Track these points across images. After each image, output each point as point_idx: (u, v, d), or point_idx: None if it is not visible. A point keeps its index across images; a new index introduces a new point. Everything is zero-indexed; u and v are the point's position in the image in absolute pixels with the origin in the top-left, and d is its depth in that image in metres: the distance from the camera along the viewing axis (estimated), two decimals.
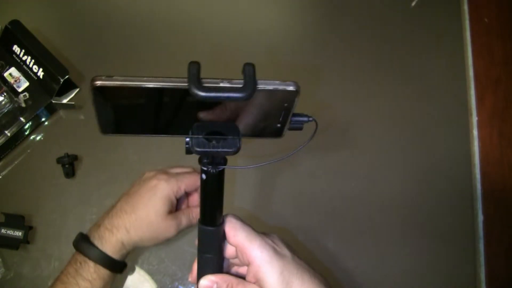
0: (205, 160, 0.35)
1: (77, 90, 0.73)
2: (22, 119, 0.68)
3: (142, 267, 0.62)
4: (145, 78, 0.28)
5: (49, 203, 0.66)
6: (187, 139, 0.33)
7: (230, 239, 0.40)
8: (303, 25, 0.86)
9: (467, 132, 0.76)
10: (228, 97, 0.27)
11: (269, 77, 0.30)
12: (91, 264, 0.47)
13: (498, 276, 0.67)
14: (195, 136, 0.33)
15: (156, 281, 0.62)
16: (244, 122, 0.34)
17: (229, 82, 0.28)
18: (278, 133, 0.35)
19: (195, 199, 0.56)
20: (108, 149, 0.70)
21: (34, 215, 0.65)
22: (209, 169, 0.35)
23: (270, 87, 0.29)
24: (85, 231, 0.51)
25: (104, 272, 0.48)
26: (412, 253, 0.68)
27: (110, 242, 0.48)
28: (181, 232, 0.52)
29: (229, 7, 0.84)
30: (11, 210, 0.64)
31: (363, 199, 0.70)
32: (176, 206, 0.52)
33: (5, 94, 0.69)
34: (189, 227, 0.52)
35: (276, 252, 0.38)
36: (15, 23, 0.69)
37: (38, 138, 0.71)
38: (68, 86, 0.71)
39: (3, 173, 0.68)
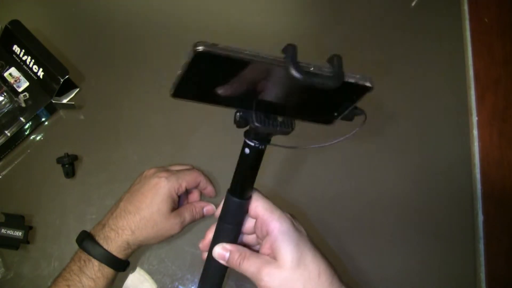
0: (252, 136, 0.36)
1: (77, 90, 0.73)
2: (22, 119, 0.68)
3: (142, 267, 0.62)
4: (247, 52, 0.29)
5: (49, 203, 0.66)
6: (237, 114, 0.35)
7: (252, 211, 0.41)
8: (302, 24, 0.86)
9: (467, 132, 0.76)
10: (319, 83, 0.29)
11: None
12: (95, 263, 0.47)
13: (498, 276, 0.67)
14: (258, 111, 0.34)
15: (156, 281, 0.62)
16: (305, 106, 0.35)
17: (319, 70, 0.30)
18: (330, 121, 0.37)
19: (196, 195, 0.56)
20: (108, 149, 0.70)
21: (34, 215, 0.65)
22: (256, 144, 0.36)
23: (352, 80, 0.31)
24: (86, 230, 0.51)
25: (108, 271, 0.48)
26: (412, 253, 0.68)
27: (116, 242, 0.48)
28: (185, 228, 0.52)
29: (229, 7, 0.84)
30: (11, 210, 0.64)
31: (363, 199, 0.70)
32: (177, 203, 0.53)
33: (5, 94, 0.69)
34: (192, 222, 0.53)
35: (293, 225, 0.40)
36: (15, 23, 0.69)
37: (38, 138, 0.71)
38: (68, 86, 0.71)
39: (3, 173, 0.68)
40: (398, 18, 0.86)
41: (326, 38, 0.83)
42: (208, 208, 0.55)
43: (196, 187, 0.55)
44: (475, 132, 0.76)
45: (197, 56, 0.29)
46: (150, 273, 0.62)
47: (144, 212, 0.49)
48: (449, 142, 0.76)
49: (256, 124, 0.33)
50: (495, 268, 0.67)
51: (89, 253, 0.48)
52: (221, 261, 0.41)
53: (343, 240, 0.68)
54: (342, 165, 0.73)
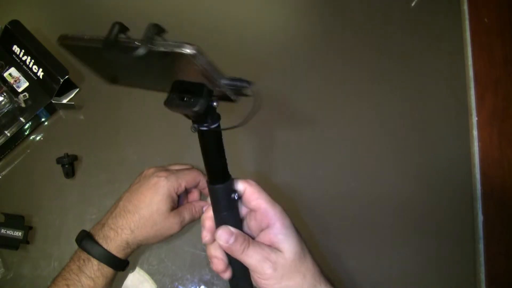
0: (192, 119, 0.36)
1: (77, 90, 0.73)
2: (22, 119, 0.68)
3: (142, 267, 0.62)
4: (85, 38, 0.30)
5: (49, 203, 0.66)
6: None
7: (252, 202, 0.41)
8: (302, 25, 0.86)
9: (467, 132, 0.76)
10: (125, 57, 0.28)
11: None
12: (95, 262, 0.47)
13: (498, 276, 0.67)
14: (170, 93, 0.34)
15: (156, 281, 0.62)
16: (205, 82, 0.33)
17: (131, 41, 0.29)
18: (228, 98, 0.34)
19: (195, 195, 0.56)
20: (108, 149, 0.70)
21: (34, 215, 0.65)
22: (192, 127, 0.36)
23: (161, 49, 0.27)
24: (86, 229, 0.51)
25: (107, 270, 0.48)
26: (412, 253, 0.68)
27: (115, 242, 0.48)
28: (184, 227, 0.52)
29: (229, 7, 0.84)
30: (11, 210, 0.64)
31: (363, 199, 0.70)
32: (177, 202, 0.53)
33: (5, 94, 0.69)
34: (192, 222, 0.53)
35: (292, 221, 0.41)
36: (15, 23, 0.69)
37: (38, 138, 0.71)
38: (68, 86, 0.71)
39: (3, 173, 0.68)
40: (398, 18, 0.86)
41: (325, 38, 0.83)
42: (208, 207, 0.55)
43: (196, 186, 0.55)
44: (475, 132, 0.76)
45: (64, 47, 0.32)
46: (150, 273, 0.62)
47: (144, 211, 0.49)
48: (449, 142, 0.76)
49: (166, 105, 0.34)
50: (495, 268, 0.67)
51: (89, 253, 0.48)
52: (224, 245, 0.39)
53: (343, 240, 0.68)
54: (341, 165, 0.73)
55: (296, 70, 0.80)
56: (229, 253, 0.40)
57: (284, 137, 0.74)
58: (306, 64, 0.81)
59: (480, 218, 0.70)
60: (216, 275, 0.62)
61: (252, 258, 0.39)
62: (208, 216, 0.43)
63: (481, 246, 0.68)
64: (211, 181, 0.40)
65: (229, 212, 0.41)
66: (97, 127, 0.72)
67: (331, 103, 0.78)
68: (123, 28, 0.30)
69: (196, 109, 0.32)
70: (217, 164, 0.39)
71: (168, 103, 0.34)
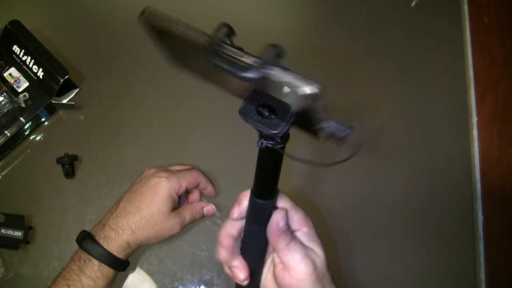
0: (258, 133, 0.32)
1: (77, 90, 0.73)
2: (22, 119, 0.68)
3: (142, 267, 0.62)
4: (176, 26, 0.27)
5: (49, 203, 0.66)
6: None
7: (279, 206, 0.39)
8: (302, 24, 0.86)
9: (467, 132, 0.76)
10: (231, 73, 0.24)
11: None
12: (95, 262, 0.47)
13: (498, 276, 0.67)
14: (247, 102, 0.30)
15: (156, 281, 0.62)
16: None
17: (248, 57, 0.24)
18: (315, 135, 0.31)
19: (196, 195, 0.56)
20: (108, 149, 0.70)
21: (34, 215, 0.65)
22: (258, 142, 0.32)
23: (281, 80, 0.24)
24: (86, 230, 0.51)
25: (108, 271, 0.48)
26: (412, 253, 0.68)
27: (116, 242, 0.48)
28: (185, 228, 0.52)
29: (228, 8, 0.84)
30: (11, 210, 0.64)
31: (363, 199, 0.70)
32: (178, 203, 0.52)
33: (5, 94, 0.69)
34: (192, 222, 0.53)
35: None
36: (15, 23, 0.69)
37: (38, 138, 0.71)
38: (68, 86, 0.71)
39: (3, 173, 0.68)
40: (398, 18, 0.86)
41: (325, 38, 0.83)
42: (208, 208, 0.55)
43: (196, 187, 0.55)
44: (475, 132, 0.76)
45: (147, 25, 0.29)
46: (150, 273, 0.62)
47: (144, 212, 0.49)
48: (449, 142, 0.76)
49: (240, 114, 0.30)
50: (495, 268, 0.67)
51: (89, 253, 0.48)
52: (280, 227, 0.37)
53: (342, 239, 0.68)
54: (341, 166, 0.73)
55: (296, 70, 0.79)
56: (274, 241, 0.37)
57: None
58: (306, 64, 0.80)
59: (480, 218, 0.70)
60: (217, 275, 0.62)
61: (296, 252, 0.37)
62: (226, 234, 0.40)
63: (481, 246, 0.68)
64: (256, 195, 0.37)
65: (262, 228, 0.38)
66: (97, 127, 0.72)
67: (331, 103, 0.77)
68: (231, 32, 0.26)
69: (275, 131, 0.29)
70: (269, 182, 0.37)
71: (243, 113, 0.30)
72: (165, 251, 0.64)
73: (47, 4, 0.84)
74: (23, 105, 0.69)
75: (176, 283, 0.62)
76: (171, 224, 0.50)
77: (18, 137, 0.69)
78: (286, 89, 0.24)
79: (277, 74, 0.24)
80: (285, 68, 0.24)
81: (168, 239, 0.52)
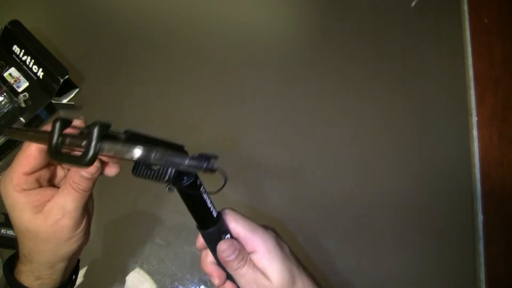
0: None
1: (77, 90, 0.73)
2: (22, 119, 0.68)
3: (142, 267, 0.62)
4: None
5: None
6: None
7: (232, 231, 0.40)
8: (302, 25, 0.86)
9: (467, 132, 0.76)
10: (74, 165, 0.28)
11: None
12: None
13: (498, 276, 0.67)
14: (138, 164, 0.33)
15: (156, 281, 0.62)
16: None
17: (80, 141, 0.29)
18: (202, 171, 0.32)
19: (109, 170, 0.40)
20: None
21: None
22: (167, 188, 0.34)
23: (111, 153, 0.27)
24: None
25: None
26: (412, 253, 0.68)
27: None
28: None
29: (228, 8, 0.84)
30: None
31: (363, 199, 0.70)
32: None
33: (5, 94, 0.69)
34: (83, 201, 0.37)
35: (277, 241, 0.39)
36: (15, 23, 0.69)
37: None
38: (68, 86, 0.71)
39: (3, 173, 0.68)
40: (398, 18, 0.86)
41: (325, 39, 0.83)
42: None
43: (48, 164, 0.38)
44: (475, 132, 0.76)
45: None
46: (150, 273, 0.62)
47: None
48: (449, 142, 0.76)
49: (135, 171, 0.33)
50: (495, 268, 0.67)
51: None
52: (225, 259, 0.38)
53: (342, 240, 0.68)
54: (341, 166, 0.73)
55: (296, 70, 0.80)
56: (225, 266, 0.39)
57: (284, 134, 0.74)
58: (306, 64, 0.81)
59: (480, 218, 0.70)
60: None
61: (243, 278, 0.38)
62: (207, 263, 0.41)
63: (481, 246, 0.68)
64: (201, 227, 0.39)
65: None
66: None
67: (331, 103, 0.78)
68: (66, 123, 0.30)
69: (166, 179, 0.31)
70: (200, 212, 0.38)
71: (136, 172, 0.33)
72: (165, 251, 0.64)
73: (47, 4, 0.84)
74: (23, 105, 0.69)
75: (176, 283, 0.62)
76: (36, 227, 0.36)
77: None
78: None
79: (109, 149, 0.28)
80: (114, 142, 0.28)
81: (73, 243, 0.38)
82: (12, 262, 0.41)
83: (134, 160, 0.27)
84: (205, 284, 0.62)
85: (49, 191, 0.37)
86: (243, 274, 0.38)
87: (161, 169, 0.32)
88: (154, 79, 0.76)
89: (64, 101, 0.71)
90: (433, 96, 0.79)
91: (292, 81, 0.79)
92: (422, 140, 0.76)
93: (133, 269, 0.61)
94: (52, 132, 0.30)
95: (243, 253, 0.39)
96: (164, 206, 0.67)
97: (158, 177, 0.32)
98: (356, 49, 0.82)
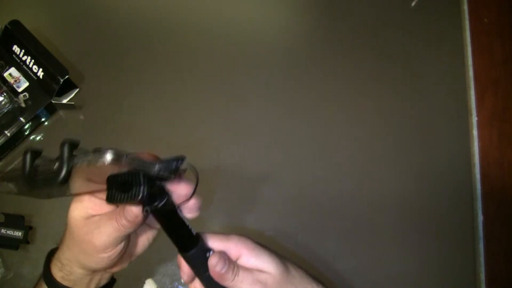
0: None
1: (77, 90, 0.73)
2: (22, 119, 0.68)
3: (142, 267, 0.62)
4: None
5: (49, 203, 0.66)
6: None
7: (211, 246, 0.39)
8: (302, 24, 0.86)
9: (467, 132, 0.76)
10: (51, 185, 0.28)
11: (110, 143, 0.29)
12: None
13: (498, 276, 0.67)
14: (109, 190, 0.33)
15: (156, 281, 0.62)
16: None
17: (53, 164, 0.29)
18: (173, 173, 0.33)
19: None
20: None
21: (34, 215, 0.65)
22: (148, 208, 0.35)
23: (85, 163, 0.28)
24: None
25: None
26: (412, 253, 0.68)
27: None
28: None
29: (228, 8, 0.84)
30: (11, 210, 0.64)
31: (363, 199, 0.70)
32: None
33: (5, 94, 0.69)
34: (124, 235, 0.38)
35: (254, 241, 0.40)
36: (15, 23, 0.69)
37: (38, 138, 0.71)
38: (68, 86, 0.71)
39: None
40: (398, 18, 0.86)
41: (325, 39, 0.83)
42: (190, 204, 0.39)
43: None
44: (475, 132, 0.76)
45: None
46: (150, 273, 0.62)
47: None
48: (449, 142, 0.76)
49: (109, 202, 0.34)
50: (495, 268, 0.67)
51: None
52: (219, 272, 0.38)
53: (342, 240, 0.68)
54: (341, 165, 0.73)
55: (296, 69, 0.80)
56: (222, 283, 0.38)
57: (284, 134, 0.74)
58: (306, 64, 0.80)
59: (480, 218, 0.70)
60: None
61: (243, 284, 0.38)
62: (197, 286, 0.40)
63: (481, 246, 0.68)
64: (182, 250, 0.38)
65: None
66: (97, 127, 0.72)
67: (331, 103, 0.78)
68: (37, 155, 0.30)
69: (138, 198, 0.32)
70: (180, 232, 0.37)
71: (110, 199, 0.33)
72: (165, 251, 0.64)
73: (47, 4, 0.84)
74: (23, 105, 0.69)
75: (176, 283, 0.62)
76: (75, 226, 0.41)
77: (18, 137, 0.69)
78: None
79: (80, 160, 0.28)
80: (84, 154, 0.29)
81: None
82: (56, 249, 0.43)
83: (108, 162, 0.27)
84: None
85: (106, 209, 0.39)
86: (242, 280, 0.38)
87: (134, 189, 0.32)
88: (154, 79, 0.76)
89: (64, 101, 0.71)
90: (433, 96, 0.79)
91: (292, 81, 0.79)
92: (421, 140, 0.76)
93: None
94: (24, 164, 0.30)
95: (233, 262, 0.39)
96: None
97: (132, 197, 0.32)
98: (356, 49, 0.82)
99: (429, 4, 0.86)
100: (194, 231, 0.38)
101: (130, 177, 0.32)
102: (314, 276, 0.42)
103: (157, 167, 0.30)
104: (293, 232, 0.67)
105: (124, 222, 0.36)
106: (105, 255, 0.38)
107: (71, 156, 0.28)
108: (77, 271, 0.40)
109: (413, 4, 0.87)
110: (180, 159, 0.32)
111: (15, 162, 0.30)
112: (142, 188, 0.32)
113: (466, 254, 0.68)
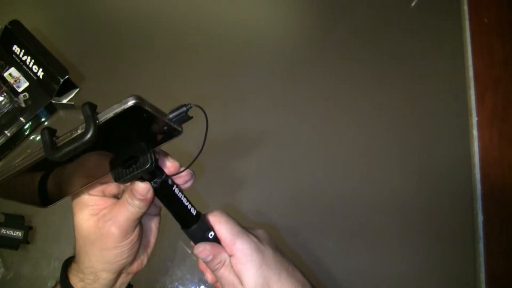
0: (145, 179, 0.36)
1: (77, 90, 0.73)
2: (22, 119, 0.68)
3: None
4: (16, 165, 0.32)
5: None
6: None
7: (216, 233, 0.41)
8: (302, 25, 0.86)
9: (467, 132, 0.76)
10: (78, 147, 0.29)
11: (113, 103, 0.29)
12: None
13: (498, 276, 0.67)
14: (114, 170, 0.34)
15: (156, 281, 0.62)
16: (144, 139, 0.34)
17: (75, 131, 0.30)
18: (174, 133, 0.35)
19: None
20: None
21: (34, 215, 0.65)
22: (152, 184, 0.36)
23: (111, 114, 0.28)
24: None
25: None
26: (412, 253, 0.68)
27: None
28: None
29: (228, 8, 0.84)
30: (11, 210, 0.64)
31: (363, 199, 0.70)
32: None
33: (5, 94, 0.69)
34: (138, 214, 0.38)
35: (257, 246, 0.39)
36: (15, 23, 0.69)
37: (38, 138, 0.71)
38: (68, 86, 0.71)
39: None
40: (398, 18, 0.86)
41: (325, 39, 0.83)
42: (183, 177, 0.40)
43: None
44: (475, 132, 0.76)
45: None
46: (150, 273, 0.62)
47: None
48: (449, 142, 0.76)
49: (117, 181, 0.34)
50: (495, 268, 0.67)
51: None
52: (204, 259, 0.40)
53: (342, 240, 0.68)
54: (342, 165, 0.73)
55: (296, 70, 0.80)
56: (206, 266, 0.41)
57: (284, 134, 0.74)
58: (306, 64, 0.81)
59: (480, 218, 0.70)
60: None
61: (221, 279, 0.40)
62: (204, 267, 0.42)
63: (481, 246, 0.68)
64: (183, 226, 0.40)
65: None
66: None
67: (331, 102, 0.78)
68: (53, 132, 0.31)
69: (148, 166, 0.33)
70: (180, 210, 0.39)
71: (118, 178, 0.34)
72: (165, 251, 0.64)
73: (47, 4, 0.84)
74: (23, 105, 0.69)
75: (176, 283, 0.62)
76: (87, 227, 0.39)
77: (18, 137, 0.69)
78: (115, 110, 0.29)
79: (104, 115, 0.29)
80: (103, 111, 0.29)
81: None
82: (72, 258, 0.42)
83: (130, 107, 0.28)
84: (205, 284, 0.62)
85: (110, 201, 0.39)
86: (220, 276, 0.40)
87: (141, 159, 0.33)
88: (154, 79, 0.76)
89: (64, 101, 0.71)
90: (433, 96, 0.79)
91: (292, 81, 0.79)
92: (422, 140, 0.76)
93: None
94: (43, 137, 0.31)
95: (221, 256, 0.39)
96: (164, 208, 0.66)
97: (141, 165, 0.33)
98: (356, 49, 0.82)
99: (429, 4, 0.86)
100: (194, 210, 0.40)
101: (133, 151, 0.34)
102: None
103: (170, 115, 0.33)
104: (293, 232, 0.67)
105: (136, 202, 0.37)
106: (126, 241, 0.38)
107: (94, 114, 0.29)
108: (102, 276, 0.40)
109: (413, 4, 0.87)
110: (188, 105, 0.34)
111: (15, 162, 0.29)
112: (147, 156, 0.33)
113: (466, 254, 0.68)
